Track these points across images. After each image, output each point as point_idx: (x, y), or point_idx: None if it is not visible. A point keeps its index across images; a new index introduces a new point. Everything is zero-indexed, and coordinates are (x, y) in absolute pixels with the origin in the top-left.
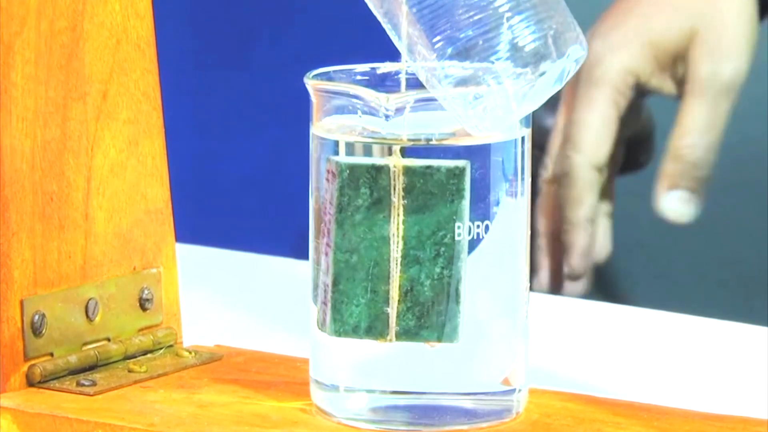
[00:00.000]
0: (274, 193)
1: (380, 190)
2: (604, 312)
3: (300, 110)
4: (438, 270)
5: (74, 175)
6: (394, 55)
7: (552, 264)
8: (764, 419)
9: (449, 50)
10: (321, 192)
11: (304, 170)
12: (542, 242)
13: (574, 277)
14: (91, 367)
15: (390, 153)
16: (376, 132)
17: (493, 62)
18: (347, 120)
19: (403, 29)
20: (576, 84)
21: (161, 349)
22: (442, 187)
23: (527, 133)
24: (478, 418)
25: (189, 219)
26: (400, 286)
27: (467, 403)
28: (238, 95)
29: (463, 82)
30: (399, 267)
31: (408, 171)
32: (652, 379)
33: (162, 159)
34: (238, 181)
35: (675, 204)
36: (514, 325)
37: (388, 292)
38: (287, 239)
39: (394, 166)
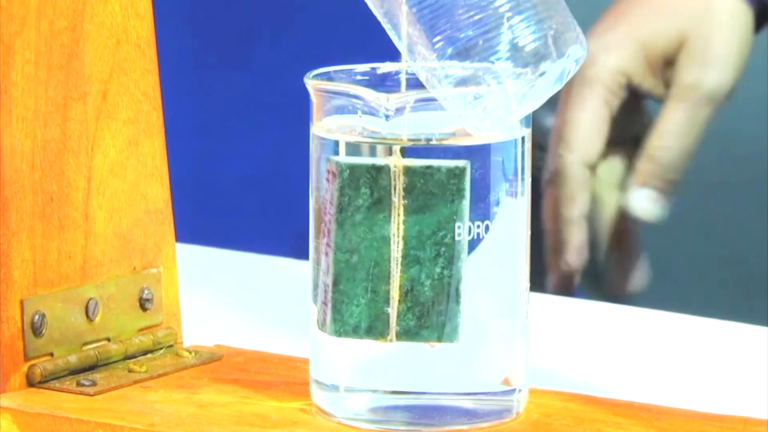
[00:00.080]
0: (274, 193)
1: (380, 190)
2: (604, 312)
3: (300, 110)
4: (438, 270)
5: (74, 175)
6: (394, 55)
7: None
8: (764, 419)
9: (449, 50)
10: (321, 192)
11: (304, 170)
12: (549, 243)
13: (570, 274)
14: (91, 367)
15: (390, 153)
16: (376, 132)
17: (493, 62)
18: (347, 120)
19: (403, 29)
20: (569, 83)
21: (161, 349)
22: (442, 187)
23: (527, 133)
24: (478, 418)
25: (189, 219)
26: (400, 286)
27: (467, 403)
28: (238, 95)
29: (463, 82)
30: (399, 267)
31: (408, 171)
32: (652, 379)
33: (162, 159)
34: (238, 181)
35: (643, 202)
36: (514, 325)
37: (388, 292)
38: (287, 239)
39: (395, 166)
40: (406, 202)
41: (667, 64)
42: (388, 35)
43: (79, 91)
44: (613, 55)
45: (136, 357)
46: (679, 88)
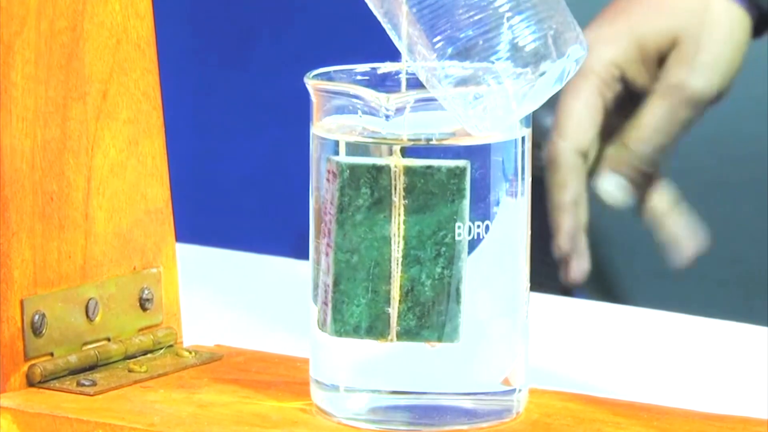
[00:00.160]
0: (274, 193)
1: (381, 190)
2: (604, 312)
3: (300, 110)
4: (439, 270)
5: (74, 175)
6: (394, 55)
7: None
8: (764, 419)
9: (449, 50)
10: (321, 192)
11: (304, 170)
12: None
13: (562, 258)
14: (91, 367)
15: (390, 153)
16: (376, 132)
17: (493, 62)
18: (347, 120)
19: (403, 29)
20: None
21: (161, 349)
22: (442, 187)
23: (527, 133)
24: (478, 418)
25: (189, 219)
26: (400, 286)
27: (467, 403)
28: (238, 95)
29: (463, 82)
30: (400, 267)
31: (409, 171)
32: (652, 379)
33: (162, 159)
34: (238, 181)
35: (611, 187)
36: (514, 325)
37: (388, 292)
38: (287, 239)
39: (395, 166)
40: (406, 202)
41: (661, 62)
42: (388, 35)
43: (79, 91)
44: (609, 48)
45: (136, 357)
46: (664, 85)
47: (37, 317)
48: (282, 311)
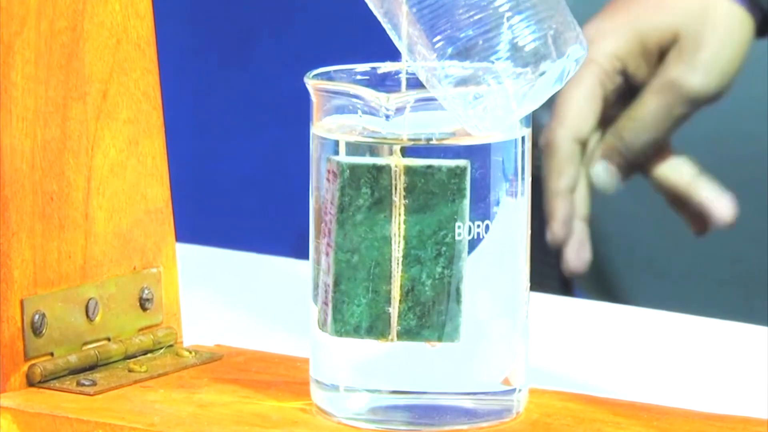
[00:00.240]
0: (274, 193)
1: (381, 189)
2: (604, 312)
3: (300, 110)
4: (439, 270)
5: (74, 175)
6: (394, 55)
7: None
8: (764, 419)
9: (449, 50)
10: (321, 192)
11: (304, 170)
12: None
13: (556, 245)
14: (91, 367)
15: (390, 153)
16: (376, 132)
17: (493, 62)
18: (347, 120)
19: (403, 29)
20: None
21: (161, 348)
22: (443, 187)
23: (527, 132)
24: (478, 417)
25: (189, 219)
26: (401, 285)
27: (467, 403)
28: (238, 95)
29: (463, 81)
30: (400, 267)
31: (409, 171)
32: (652, 379)
33: (162, 159)
34: (238, 181)
35: (601, 173)
36: (514, 325)
37: (389, 291)
38: (287, 239)
39: (396, 166)
40: (406, 201)
41: (661, 57)
42: (388, 35)
43: (79, 91)
44: (611, 41)
45: (136, 357)
46: (661, 80)
47: (37, 317)
48: (282, 311)
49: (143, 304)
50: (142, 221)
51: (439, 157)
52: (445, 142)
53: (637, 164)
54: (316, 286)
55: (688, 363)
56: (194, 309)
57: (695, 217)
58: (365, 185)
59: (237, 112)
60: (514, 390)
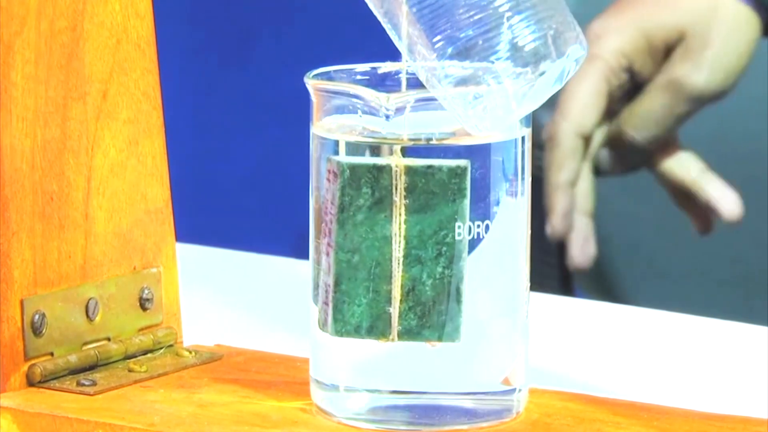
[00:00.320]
0: (274, 193)
1: (382, 189)
2: (604, 312)
3: (300, 110)
4: (440, 269)
5: (74, 175)
6: (394, 55)
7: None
8: (764, 419)
9: (449, 50)
10: (321, 192)
11: (304, 170)
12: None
13: (556, 239)
14: (91, 367)
15: (390, 153)
16: (376, 132)
17: (493, 62)
18: (347, 120)
19: (403, 29)
20: None
21: (161, 348)
22: (443, 187)
23: (527, 132)
24: (478, 417)
25: (189, 219)
26: (401, 285)
27: (467, 403)
28: (238, 95)
29: (463, 81)
30: (401, 266)
31: (410, 170)
32: (652, 379)
33: (162, 159)
34: (238, 181)
35: (606, 157)
36: (514, 325)
37: (389, 291)
38: (287, 239)
39: (396, 166)
40: (407, 201)
41: (667, 55)
42: (388, 35)
43: (79, 91)
44: (617, 37)
45: (136, 357)
46: (665, 77)
47: (37, 317)
48: (282, 311)
49: (143, 304)
50: (142, 221)
51: (439, 157)
52: (445, 142)
53: (640, 157)
54: (316, 286)
55: (688, 363)
56: (194, 309)
57: (700, 214)
58: (366, 185)
59: (237, 112)
60: (514, 390)
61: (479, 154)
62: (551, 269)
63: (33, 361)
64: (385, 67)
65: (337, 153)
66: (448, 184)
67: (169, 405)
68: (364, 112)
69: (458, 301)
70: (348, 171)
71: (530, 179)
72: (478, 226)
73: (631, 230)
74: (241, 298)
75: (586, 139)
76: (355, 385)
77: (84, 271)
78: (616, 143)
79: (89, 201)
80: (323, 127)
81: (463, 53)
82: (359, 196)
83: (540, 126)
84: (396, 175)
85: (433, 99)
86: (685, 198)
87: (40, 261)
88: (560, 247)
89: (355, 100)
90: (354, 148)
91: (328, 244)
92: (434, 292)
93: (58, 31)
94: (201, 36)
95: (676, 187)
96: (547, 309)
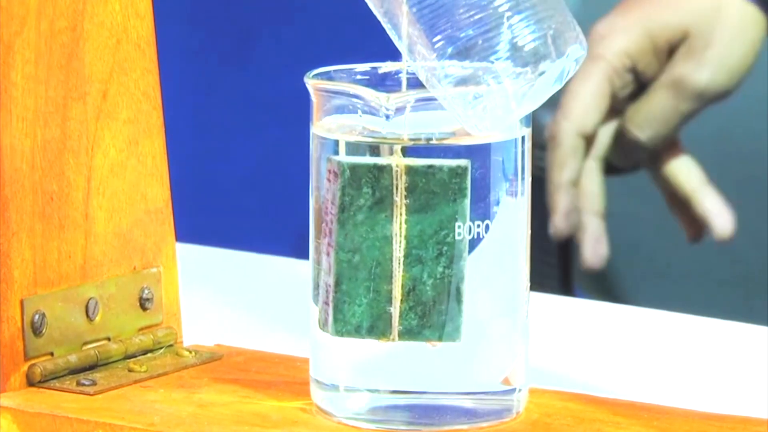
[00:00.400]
0: (274, 193)
1: (382, 189)
2: (604, 312)
3: (300, 110)
4: (440, 269)
5: (74, 175)
6: (394, 55)
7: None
8: (764, 419)
9: (449, 50)
10: (321, 192)
11: (304, 170)
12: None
13: (558, 238)
14: (91, 367)
15: (390, 152)
16: (376, 132)
17: (492, 62)
18: (347, 120)
19: (403, 29)
20: None
21: (161, 348)
22: (444, 187)
23: (527, 132)
24: (478, 417)
25: (189, 219)
26: (402, 285)
27: (467, 403)
28: (238, 95)
29: (463, 81)
30: (401, 266)
31: (410, 170)
32: (652, 379)
33: (162, 159)
34: (238, 181)
35: (611, 151)
36: (514, 325)
37: (390, 291)
38: (287, 239)
39: (397, 166)
40: (407, 201)
41: (671, 55)
42: (388, 35)
43: (79, 91)
44: (621, 38)
45: (136, 356)
46: (669, 76)
47: (37, 317)
48: (282, 311)
49: (143, 304)
50: (142, 221)
51: (439, 156)
52: (445, 141)
53: (643, 156)
54: (316, 286)
55: (688, 363)
56: (194, 309)
57: (693, 224)
58: (366, 185)
59: (237, 112)
60: (514, 390)
61: (479, 154)
62: (551, 269)
63: (33, 361)
64: (385, 67)
65: (337, 153)
66: (449, 184)
67: (169, 405)
68: (364, 112)
69: (458, 301)
70: (348, 171)
71: (530, 179)
72: (479, 225)
73: (631, 230)
74: (241, 298)
75: (588, 139)
76: (355, 385)
77: (84, 271)
78: (620, 142)
79: (89, 201)
80: (323, 127)
81: (463, 53)
82: (360, 196)
83: (541, 126)
84: (396, 175)
85: (433, 99)
86: (681, 205)
87: (40, 261)
88: (560, 247)
89: (355, 100)
90: (354, 148)
91: (329, 244)
92: (435, 292)
93: (58, 31)
94: (201, 36)
95: (674, 192)
96: (547, 309)
